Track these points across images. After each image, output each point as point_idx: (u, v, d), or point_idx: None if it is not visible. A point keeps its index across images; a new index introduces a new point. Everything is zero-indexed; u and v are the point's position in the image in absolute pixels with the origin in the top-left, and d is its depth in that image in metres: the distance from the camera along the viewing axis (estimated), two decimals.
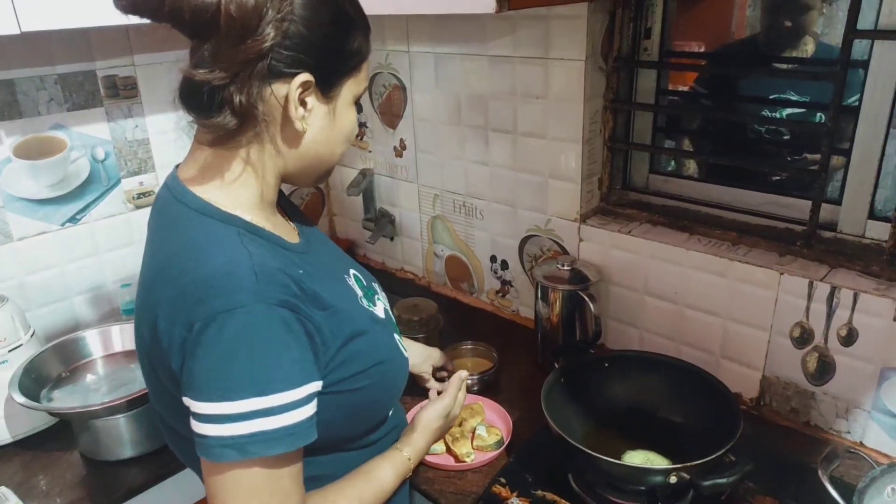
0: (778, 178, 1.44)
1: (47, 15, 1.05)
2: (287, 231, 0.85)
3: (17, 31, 1.02)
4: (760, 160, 1.45)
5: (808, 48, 1.49)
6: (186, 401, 0.69)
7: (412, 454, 0.94)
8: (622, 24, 1.34)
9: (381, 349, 0.86)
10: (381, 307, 0.93)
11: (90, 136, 1.48)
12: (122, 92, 1.51)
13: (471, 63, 1.49)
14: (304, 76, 0.73)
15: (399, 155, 1.77)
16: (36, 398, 1.20)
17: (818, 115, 1.46)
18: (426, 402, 1.09)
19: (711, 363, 1.29)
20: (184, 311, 0.68)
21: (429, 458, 1.16)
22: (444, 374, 1.26)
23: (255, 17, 0.68)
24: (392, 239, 1.90)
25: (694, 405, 1.14)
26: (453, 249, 1.75)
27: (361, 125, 1.83)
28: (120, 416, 1.17)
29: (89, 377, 1.33)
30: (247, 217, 0.76)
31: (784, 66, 1.48)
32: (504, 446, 1.18)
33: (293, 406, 0.69)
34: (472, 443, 1.18)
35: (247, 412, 0.67)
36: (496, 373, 1.37)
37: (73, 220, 1.49)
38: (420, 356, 1.22)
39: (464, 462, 1.15)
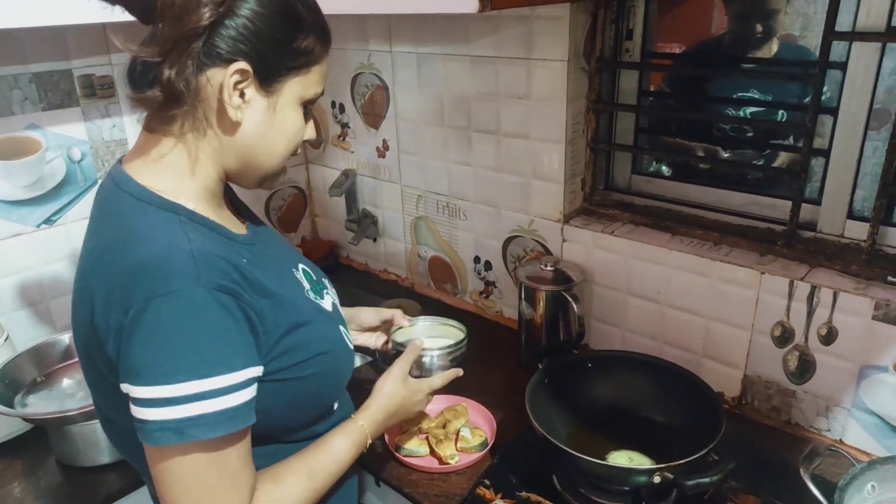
0: (758, 178, 1.45)
1: (22, 12, 1.03)
2: (233, 223, 0.85)
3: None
4: (739, 161, 1.46)
5: (778, 49, 1.51)
6: (125, 387, 0.68)
7: (366, 421, 0.93)
8: (604, 25, 1.35)
9: (324, 339, 0.86)
10: (328, 301, 0.94)
11: (66, 136, 1.45)
12: (99, 91, 1.48)
13: (453, 63, 1.49)
14: (241, 64, 0.73)
15: (382, 155, 1.76)
16: (10, 404, 1.18)
17: (780, 113, 1.47)
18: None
19: (694, 362, 1.29)
20: (120, 297, 0.68)
21: (412, 461, 1.15)
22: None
23: (170, 4, 0.69)
24: (375, 240, 1.89)
25: (677, 405, 1.15)
26: (437, 250, 1.74)
27: (344, 125, 1.82)
28: (97, 421, 1.14)
29: (65, 382, 1.30)
30: (189, 206, 0.77)
31: (762, 67, 1.49)
32: (488, 448, 1.18)
33: (232, 389, 0.70)
34: (455, 444, 1.18)
35: (185, 395, 0.67)
36: (468, 346, 1.15)
37: (48, 221, 1.46)
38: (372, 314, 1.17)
39: (448, 464, 1.14)
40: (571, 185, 1.43)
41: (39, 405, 1.23)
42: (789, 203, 1.21)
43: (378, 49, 1.64)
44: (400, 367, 1.01)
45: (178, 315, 0.67)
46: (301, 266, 0.94)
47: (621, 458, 1.08)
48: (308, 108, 0.83)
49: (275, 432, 0.84)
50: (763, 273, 1.17)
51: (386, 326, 1.17)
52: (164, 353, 0.67)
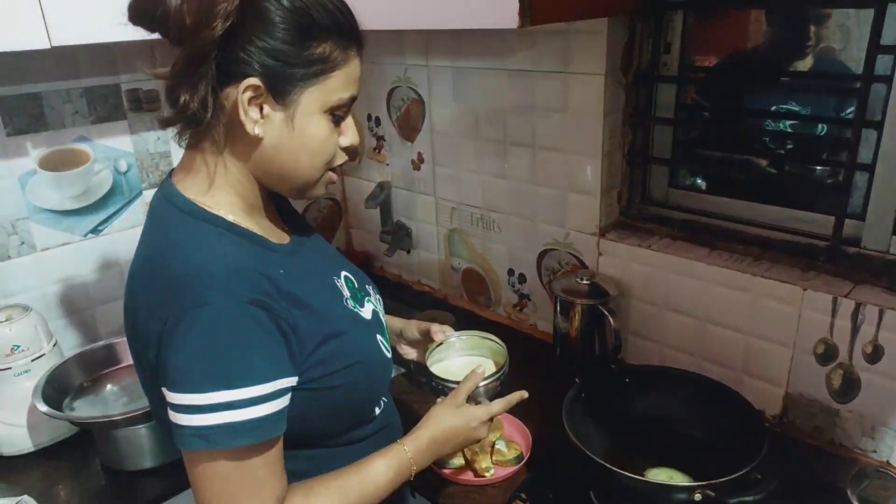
0: (799, 192, 1.42)
1: (77, 30, 1.07)
2: (275, 233, 0.87)
3: (48, 46, 1.04)
4: (780, 175, 1.44)
5: (817, 62, 1.49)
6: (164, 391, 0.72)
7: (412, 449, 0.90)
8: (642, 39, 1.35)
9: (358, 350, 0.87)
10: (369, 309, 0.95)
11: (113, 148, 1.50)
12: (145, 105, 1.53)
13: (490, 77, 1.50)
14: (251, 80, 0.73)
15: (417, 168, 1.77)
16: (58, 407, 1.21)
17: (821, 126, 1.45)
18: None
19: (733, 379, 1.27)
20: (160, 306, 0.72)
21: (448, 473, 1.16)
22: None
23: (202, 18, 0.70)
24: (409, 252, 1.91)
25: (716, 422, 1.13)
26: (470, 262, 1.75)
27: (380, 138, 1.85)
28: (140, 426, 1.17)
29: (109, 387, 1.33)
30: (230, 217, 0.80)
31: (804, 80, 1.47)
32: (524, 461, 1.17)
33: (260, 400, 0.72)
34: (491, 457, 1.17)
35: (214, 404, 0.70)
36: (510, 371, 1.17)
37: (95, 231, 1.51)
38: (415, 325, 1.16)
39: (483, 477, 1.14)
40: (608, 199, 1.42)
41: (85, 409, 1.26)
42: (832, 218, 1.19)
43: (414, 63, 1.66)
44: (454, 394, 0.98)
45: (211, 326, 0.70)
46: (344, 273, 0.95)
47: (660, 475, 1.07)
48: (337, 114, 0.81)
49: (313, 437, 0.86)
50: (805, 289, 1.16)
51: (427, 339, 1.15)
52: (196, 362, 0.70)
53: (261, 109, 0.76)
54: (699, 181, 1.52)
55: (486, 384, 1.01)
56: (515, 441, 1.22)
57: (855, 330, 1.12)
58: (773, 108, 1.48)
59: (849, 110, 1.44)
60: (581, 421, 1.12)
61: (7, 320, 1.25)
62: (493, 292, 1.72)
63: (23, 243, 1.41)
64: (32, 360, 1.26)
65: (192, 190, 0.80)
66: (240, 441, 0.71)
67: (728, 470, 0.93)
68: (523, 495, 1.10)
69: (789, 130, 1.45)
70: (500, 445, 1.19)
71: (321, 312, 0.82)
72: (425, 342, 1.13)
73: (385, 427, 0.98)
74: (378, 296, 1.02)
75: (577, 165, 1.41)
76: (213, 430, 0.70)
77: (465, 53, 1.54)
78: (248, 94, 0.74)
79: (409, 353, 1.16)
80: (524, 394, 1.01)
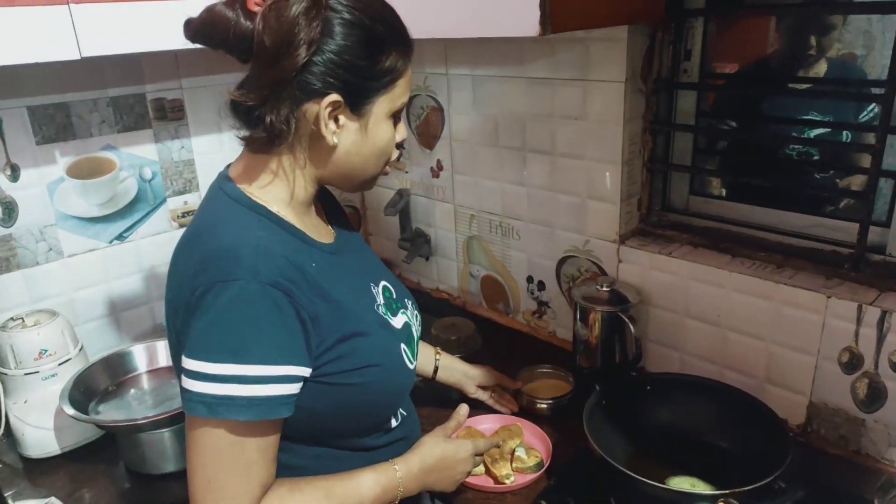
0: (823, 200, 1.41)
1: (106, 41, 1.10)
2: (320, 232, 0.91)
3: (78, 57, 1.07)
4: (803, 182, 1.43)
5: (838, 69, 1.47)
6: (182, 358, 0.76)
7: (403, 470, 0.93)
8: (662, 46, 1.35)
9: (379, 352, 0.88)
10: (401, 320, 0.96)
11: (138, 156, 1.53)
12: (170, 114, 1.55)
13: (509, 85, 1.51)
14: (333, 97, 0.79)
15: (436, 175, 1.78)
16: (84, 411, 1.23)
17: (844, 133, 1.44)
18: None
19: (756, 388, 1.26)
20: (192, 277, 0.77)
21: (468, 480, 1.15)
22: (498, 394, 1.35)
23: (283, 43, 0.75)
24: (428, 259, 1.92)
25: (739, 430, 1.12)
26: (489, 270, 1.75)
27: (399, 146, 1.85)
28: (164, 430, 1.19)
29: (134, 391, 1.35)
30: (274, 209, 0.84)
31: (826, 87, 1.46)
32: (544, 469, 1.17)
33: (267, 381, 0.75)
34: (511, 464, 1.17)
35: (222, 375, 0.73)
36: (571, 399, 1.33)
37: (120, 237, 1.54)
38: (467, 374, 1.30)
39: (503, 484, 1.14)
40: (628, 206, 1.42)
41: (110, 413, 1.28)
42: (856, 225, 1.18)
43: (434, 71, 1.67)
44: (443, 428, 1.03)
45: (231, 301, 0.74)
46: (383, 283, 0.99)
47: (683, 484, 1.06)
48: (398, 116, 0.87)
49: (322, 434, 0.88)
50: (830, 297, 1.14)
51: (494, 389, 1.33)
52: (213, 332, 0.74)
53: (336, 120, 0.81)
54: (721, 189, 1.52)
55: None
56: (535, 448, 1.22)
57: (881, 338, 1.10)
58: (795, 114, 1.47)
59: (867, 114, 1.44)
60: (601, 428, 1.11)
61: (35, 325, 1.28)
62: (511, 299, 1.72)
63: (50, 250, 1.43)
64: (59, 365, 1.29)
65: (245, 181, 0.85)
66: (239, 415, 0.74)
67: (751, 479, 0.92)
68: (543, 502, 1.09)
69: (812, 137, 1.44)
70: (521, 452, 1.19)
71: (347, 310, 0.85)
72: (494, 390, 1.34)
73: (403, 439, 0.98)
74: (416, 311, 1.05)
75: (597, 172, 1.41)
76: (216, 400, 0.73)
77: (485, 61, 1.55)
78: (330, 108, 0.79)
79: (480, 394, 1.33)
80: (463, 407, 1.08)
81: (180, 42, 0.82)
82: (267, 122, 0.78)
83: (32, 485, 1.22)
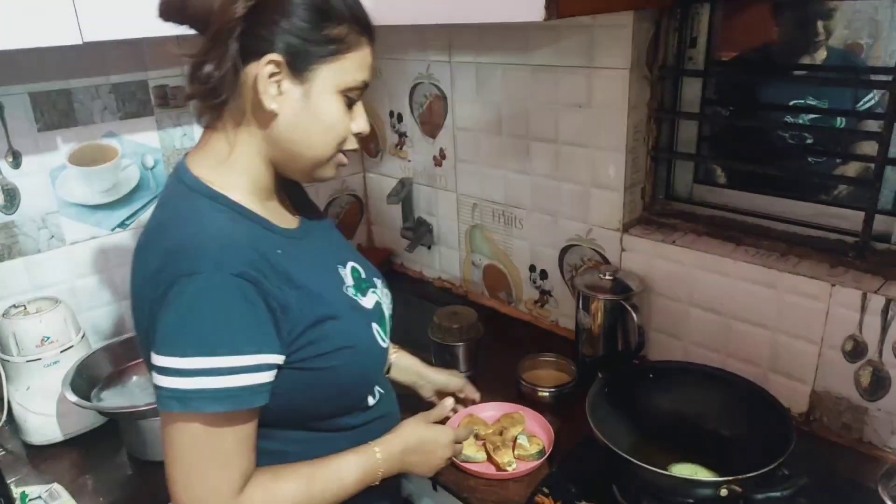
0: (827, 188, 1.40)
1: (108, 25, 1.09)
2: (283, 218, 0.91)
3: (80, 42, 1.06)
4: (808, 170, 1.42)
5: (844, 56, 1.46)
6: (152, 355, 0.75)
7: (383, 453, 0.93)
8: (667, 33, 1.34)
9: (350, 335, 0.88)
10: (371, 299, 0.96)
11: (140, 143, 1.52)
12: (172, 101, 1.55)
13: (513, 73, 1.50)
14: (272, 55, 0.77)
15: (438, 164, 1.78)
16: (86, 398, 1.23)
17: (848, 120, 1.43)
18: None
19: (759, 376, 1.26)
20: (156, 273, 0.76)
21: (470, 466, 1.16)
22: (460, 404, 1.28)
23: (206, 4, 0.76)
24: (430, 248, 1.91)
25: (742, 418, 1.12)
26: (492, 259, 1.75)
27: (402, 135, 1.85)
28: None
29: (136, 378, 1.36)
30: (234, 196, 0.83)
31: (833, 75, 1.45)
32: (546, 456, 1.17)
33: (239, 371, 0.74)
34: (513, 452, 1.17)
35: (193, 369, 0.73)
36: (574, 387, 1.33)
37: (122, 225, 1.53)
38: (422, 376, 1.23)
39: (505, 471, 1.14)
40: (631, 194, 1.41)
41: (112, 399, 1.28)
42: (861, 213, 1.18)
43: (437, 59, 1.66)
44: (426, 414, 1.03)
45: (198, 294, 0.73)
46: (351, 263, 0.97)
47: (685, 471, 1.06)
48: (350, 97, 0.84)
49: (301, 418, 0.87)
50: (834, 285, 1.14)
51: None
52: (180, 327, 0.73)
53: (279, 87, 0.79)
54: (725, 177, 1.51)
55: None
56: (537, 436, 1.22)
57: (885, 327, 1.10)
58: (802, 102, 1.46)
59: (867, 102, 1.43)
60: (604, 416, 1.11)
61: (37, 312, 1.28)
62: (514, 288, 1.72)
63: (52, 237, 1.43)
64: (61, 352, 1.29)
65: (202, 167, 0.84)
66: (213, 407, 0.73)
67: (754, 467, 0.92)
68: (546, 489, 1.10)
69: (818, 125, 1.43)
70: (522, 440, 1.19)
71: (316, 294, 0.84)
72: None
73: (383, 417, 0.99)
74: (387, 290, 1.04)
75: (601, 161, 1.40)
76: (188, 394, 0.73)
77: (489, 49, 1.54)
78: (270, 68, 0.78)
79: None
80: (448, 400, 1.08)
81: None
82: (204, 73, 0.77)
83: (35, 471, 1.22)
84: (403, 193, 1.83)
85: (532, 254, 1.64)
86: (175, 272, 0.74)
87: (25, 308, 1.29)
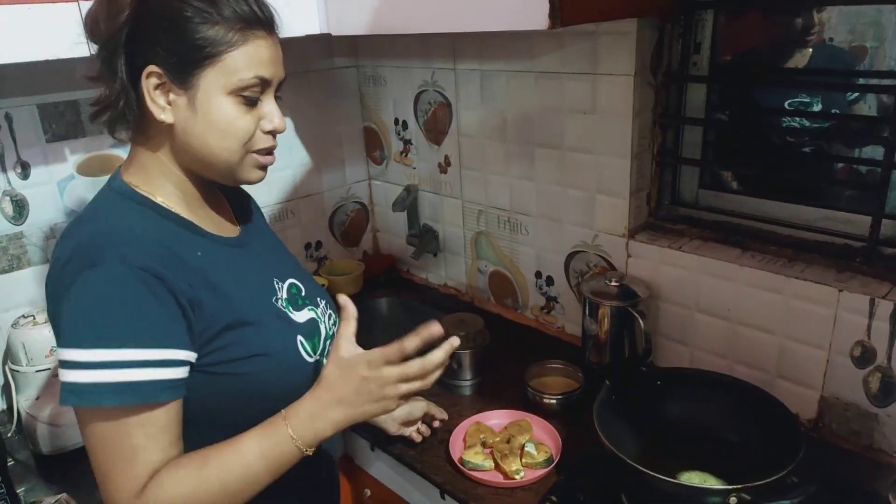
0: (834, 192, 1.40)
1: None
2: (219, 226, 0.92)
3: (88, 54, 1.06)
4: (814, 175, 1.42)
5: (857, 61, 1.46)
6: (56, 350, 0.77)
7: (292, 416, 0.80)
8: (671, 39, 1.34)
9: (268, 342, 0.86)
10: (305, 315, 0.94)
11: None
12: None
13: (517, 79, 1.50)
14: (150, 67, 0.79)
15: (444, 171, 1.78)
16: None
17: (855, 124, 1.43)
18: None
19: (767, 382, 1.25)
20: (61, 267, 0.76)
21: (477, 475, 1.16)
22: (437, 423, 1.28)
23: (105, 15, 0.79)
24: (435, 255, 1.91)
25: (750, 425, 1.11)
26: (497, 265, 1.75)
27: (406, 142, 1.86)
28: None
29: None
30: (158, 199, 0.85)
31: (839, 79, 1.44)
32: (554, 464, 1.17)
33: (141, 364, 0.73)
34: (521, 460, 1.17)
35: (93, 361, 0.72)
36: (581, 394, 1.33)
37: None
38: (400, 415, 1.20)
39: (513, 479, 1.14)
40: (637, 200, 1.41)
41: None
42: (868, 218, 1.17)
43: (442, 67, 1.67)
44: (334, 347, 0.84)
45: (100, 285, 0.73)
46: (291, 280, 0.96)
47: (694, 479, 1.06)
48: (246, 95, 0.81)
49: (220, 427, 0.81)
50: (841, 290, 1.13)
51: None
52: (81, 319, 0.73)
53: (167, 97, 0.80)
54: (731, 182, 1.50)
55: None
56: (545, 443, 1.22)
57: (893, 332, 1.09)
58: (805, 104, 1.46)
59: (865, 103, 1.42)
60: (612, 423, 1.11)
61: (46, 322, 1.29)
62: (520, 295, 1.72)
63: None
64: None
65: (130, 174, 0.86)
66: (107, 401, 0.72)
67: (763, 474, 0.92)
68: (554, 498, 1.09)
69: (823, 128, 1.43)
70: (530, 448, 1.19)
71: (234, 299, 0.84)
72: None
73: None
74: (333, 313, 1.00)
75: (606, 167, 1.40)
76: (86, 388, 0.72)
77: (493, 56, 1.54)
78: (153, 80, 0.79)
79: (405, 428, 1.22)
80: (454, 341, 0.86)
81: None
82: (98, 97, 0.81)
83: (45, 481, 1.22)
84: (409, 200, 1.83)
85: (538, 260, 1.64)
86: (79, 265, 0.74)
87: (34, 318, 1.30)
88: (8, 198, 1.36)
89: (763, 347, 1.26)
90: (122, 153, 1.49)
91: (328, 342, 0.97)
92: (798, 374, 1.23)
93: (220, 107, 0.81)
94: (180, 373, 0.77)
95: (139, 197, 0.84)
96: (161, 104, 0.80)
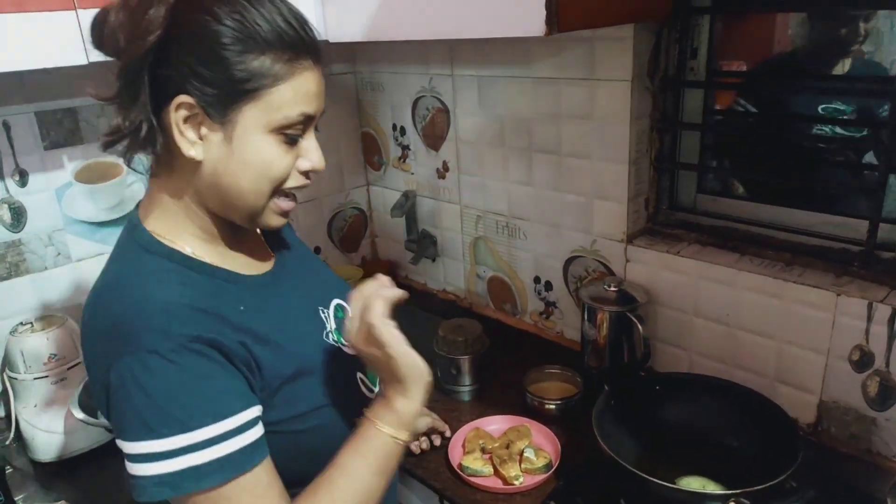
0: (831, 197, 1.40)
1: None
2: (249, 263, 0.84)
3: (86, 62, 1.07)
4: (812, 179, 1.42)
5: (847, 64, 1.47)
6: (119, 443, 0.69)
7: (378, 415, 0.78)
8: (668, 45, 1.34)
9: (328, 391, 0.81)
10: None
11: (146, 161, 1.53)
12: None
13: (515, 85, 1.51)
14: (181, 98, 0.70)
15: (442, 177, 1.78)
16: (94, 415, 1.23)
17: (852, 129, 1.43)
18: None
19: (765, 387, 1.25)
20: (103, 352, 0.70)
21: (476, 481, 1.15)
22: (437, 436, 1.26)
23: (128, 31, 0.69)
24: (434, 260, 1.91)
25: (749, 430, 1.12)
26: (496, 270, 1.75)
27: (405, 147, 1.86)
28: None
29: None
30: (188, 250, 0.77)
31: (835, 84, 1.45)
32: (553, 469, 1.16)
33: (224, 437, 0.68)
34: (520, 465, 1.17)
35: (174, 449, 0.66)
36: (580, 399, 1.32)
37: None
38: None
39: (512, 485, 1.14)
40: (635, 205, 1.41)
41: None
42: (865, 222, 1.17)
43: (439, 73, 1.67)
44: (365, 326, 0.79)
45: (154, 370, 0.67)
46: (336, 302, 0.92)
47: (693, 484, 1.06)
48: (289, 133, 0.74)
49: (290, 482, 0.77)
50: (839, 295, 1.14)
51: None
52: (146, 409, 0.67)
53: (198, 131, 0.72)
54: (728, 187, 1.51)
55: None
56: (544, 449, 1.22)
57: (892, 336, 1.09)
58: (803, 111, 1.46)
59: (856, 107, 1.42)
60: (611, 429, 1.11)
61: (44, 330, 1.29)
62: (519, 300, 1.72)
63: (59, 254, 1.44)
64: (68, 369, 1.29)
65: (152, 218, 0.78)
66: (208, 483, 0.67)
67: (762, 479, 0.92)
68: (553, 503, 1.09)
69: (820, 133, 1.43)
70: (529, 453, 1.19)
71: (286, 348, 0.78)
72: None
73: None
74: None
75: (604, 172, 1.41)
76: (177, 477, 0.66)
77: (490, 62, 1.54)
78: (182, 112, 0.70)
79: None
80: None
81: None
82: (115, 125, 0.71)
83: (43, 489, 1.22)
84: (407, 206, 1.83)
85: (536, 265, 1.64)
86: (123, 350, 0.67)
87: (32, 325, 1.30)
88: (6, 205, 1.36)
89: (761, 352, 1.26)
90: (119, 160, 1.48)
91: None
92: (797, 379, 1.23)
93: (259, 146, 0.72)
94: (261, 428, 0.73)
95: (167, 250, 0.75)
96: (191, 138, 0.71)
